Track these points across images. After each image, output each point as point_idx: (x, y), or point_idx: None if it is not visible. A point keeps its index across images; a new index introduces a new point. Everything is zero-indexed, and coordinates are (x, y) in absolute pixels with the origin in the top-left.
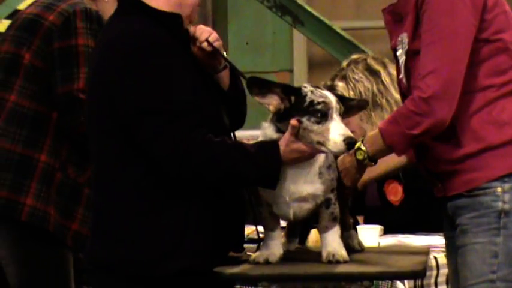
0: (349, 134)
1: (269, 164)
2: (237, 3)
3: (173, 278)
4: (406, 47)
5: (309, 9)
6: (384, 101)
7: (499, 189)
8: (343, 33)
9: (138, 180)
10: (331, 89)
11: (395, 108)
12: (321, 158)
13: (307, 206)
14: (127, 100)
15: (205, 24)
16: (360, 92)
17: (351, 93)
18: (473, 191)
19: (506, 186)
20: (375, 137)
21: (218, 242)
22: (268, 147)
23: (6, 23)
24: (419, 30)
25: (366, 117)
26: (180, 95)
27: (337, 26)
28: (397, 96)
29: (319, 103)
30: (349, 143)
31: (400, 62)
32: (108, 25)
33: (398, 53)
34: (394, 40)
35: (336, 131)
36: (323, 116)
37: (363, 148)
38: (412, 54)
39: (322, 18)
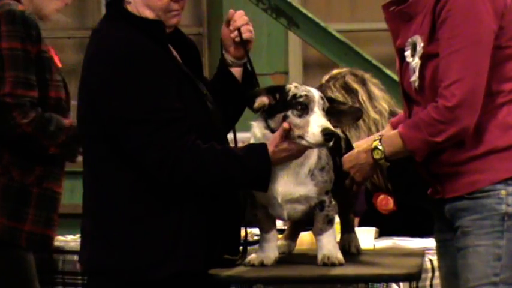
0: (328, 125)
1: (258, 165)
2: (232, 6)
3: (168, 281)
4: (421, 51)
5: (304, 11)
6: (360, 121)
7: (503, 192)
8: (338, 35)
9: (129, 186)
10: None
11: (372, 127)
12: (312, 159)
13: (301, 208)
14: (113, 110)
15: (201, 26)
16: None
17: None
18: (475, 193)
19: (510, 189)
20: (393, 139)
21: (212, 245)
22: (257, 149)
23: None
24: (436, 34)
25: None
26: (166, 103)
27: (332, 28)
28: (375, 115)
29: (301, 96)
30: (327, 133)
31: (412, 64)
32: (94, 33)
33: (407, 53)
34: (401, 39)
35: (315, 123)
36: (304, 108)
37: (381, 148)
38: (427, 57)
39: (317, 20)
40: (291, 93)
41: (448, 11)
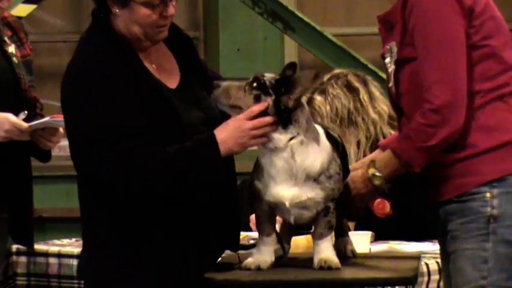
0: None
1: (206, 147)
2: (228, 10)
3: None
4: (395, 57)
5: (300, 15)
6: (359, 119)
7: (487, 195)
8: (334, 39)
9: (101, 203)
10: (309, 103)
11: (371, 128)
12: (315, 167)
13: (308, 214)
14: (70, 128)
15: (197, 30)
16: (337, 108)
17: (328, 108)
18: (463, 196)
19: (495, 191)
20: (387, 159)
21: (189, 264)
22: (204, 138)
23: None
24: (406, 39)
25: (340, 134)
26: (119, 119)
27: (328, 32)
28: (374, 116)
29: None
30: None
31: (390, 70)
32: (78, 42)
33: (386, 61)
34: (383, 48)
35: None
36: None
37: (378, 174)
38: (402, 62)
39: (313, 24)
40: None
41: (415, 16)
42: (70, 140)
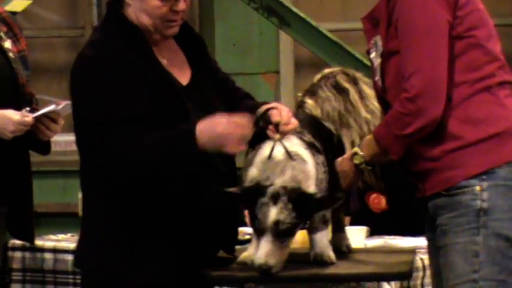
0: None
1: (184, 140)
2: (223, 5)
3: None
4: (381, 50)
5: (296, 10)
6: (351, 120)
7: (477, 188)
8: (329, 34)
9: (104, 193)
10: (301, 106)
11: (364, 127)
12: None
13: None
14: (75, 112)
15: (193, 25)
16: (327, 111)
17: (319, 111)
18: (452, 189)
19: (485, 184)
20: (370, 142)
21: (188, 260)
22: (184, 128)
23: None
24: (391, 31)
25: None
26: (121, 105)
27: (323, 27)
28: (366, 115)
29: None
30: None
31: (375, 64)
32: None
33: (372, 55)
34: (369, 43)
35: None
36: None
37: (360, 153)
38: (387, 55)
39: (308, 19)
40: None
41: (399, 8)
42: (75, 125)
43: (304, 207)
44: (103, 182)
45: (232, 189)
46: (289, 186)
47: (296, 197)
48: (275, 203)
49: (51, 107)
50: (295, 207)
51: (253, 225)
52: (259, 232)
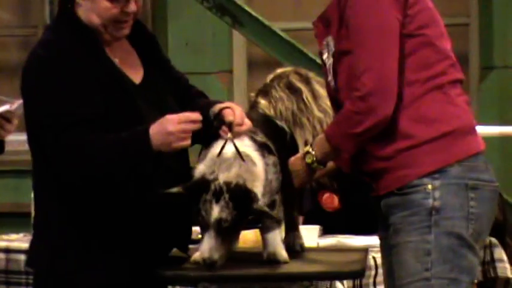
0: None
1: (137, 136)
2: (176, 4)
3: None
4: (333, 49)
5: (249, 10)
6: (304, 119)
7: (429, 186)
8: (282, 34)
9: (55, 193)
10: (254, 106)
11: (317, 126)
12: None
13: None
14: (26, 112)
15: (145, 24)
16: (281, 111)
17: (272, 111)
18: (404, 188)
19: (436, 183)
20: (322, 141)
21: (140, 259)
22: (138, 130)
23: None
24: (342, 31)
25: None
26: (69, 107)
27: (276, 27)
28: (319, 114)
29: None
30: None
31: (328, 65)
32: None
33: (324, 56)
34: (321, 44)
35: None
36: None
37: (312, 152)
38: (338, 55)
39: (261, 19)
40: None
41: (350, 7)
42: (27, 125)
43: (245, 207)
44: (54, 182)
45: (175, 190)
46: (232, 182)
47: (238, 196)
48: (217, 200)
49: (6, 107)
50: (236, 205)
51: (197, 220)
52: (202, 227)
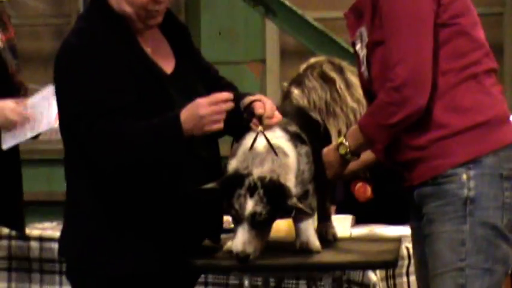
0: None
1: (169, 122)
2: None
3: (126, 280)
4: (366, 40)
5: None
6: (338, 109)
7: (464, 176)
8: (315, 23)
9: (89, 183)
10: (287, 96)
11: (350, 116)
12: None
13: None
14: (60, 104)
15: (179, 14)
16: (314, 101)
17: (305, 101)
18: (438, 178)
19: (471, 172)
20: (355, 132)
21: (171, 248)
22: (169, 115)
23: None
24: (376, 21)
25: None
26: (101, 95)
27: (309, 16)
28: (353, 104)
29: None
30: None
31: (361, 55)
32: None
33: (357, 47)
34: (353, 35)
35: None
36: None
37: (345, 143)
38: (372, 46)
39: (294, 8)
40: None
41: None
42: (60, 114)
43: (279, 202)
44: (86, 171)
45: (210, 185)
46: (266, 177)
47: (272, 191)
48: (251, 195)
49: (41, 96)
50: (270, 200)
51: (230, 214)
52: (236, 220)
